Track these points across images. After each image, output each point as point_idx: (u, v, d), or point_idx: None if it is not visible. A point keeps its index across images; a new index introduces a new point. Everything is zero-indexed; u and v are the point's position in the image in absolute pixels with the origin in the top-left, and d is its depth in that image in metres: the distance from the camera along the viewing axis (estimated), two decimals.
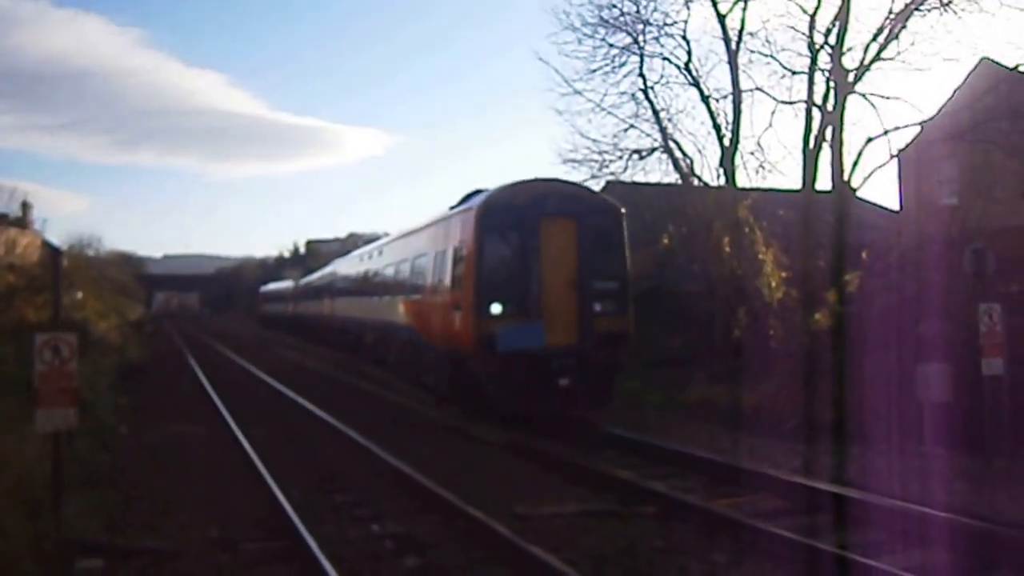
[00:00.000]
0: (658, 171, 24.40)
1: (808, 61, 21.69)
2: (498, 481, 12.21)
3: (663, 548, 9.05)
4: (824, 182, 21.51)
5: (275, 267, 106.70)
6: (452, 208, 18.49)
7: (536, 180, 17.67)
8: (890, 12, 20.44)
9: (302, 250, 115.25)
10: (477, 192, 18.15)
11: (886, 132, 20.77)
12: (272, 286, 74.51)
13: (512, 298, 15.57)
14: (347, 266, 35.20)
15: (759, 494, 11.08)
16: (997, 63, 25.10)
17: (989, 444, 12.38)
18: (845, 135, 20.88)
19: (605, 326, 15.94)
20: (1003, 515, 9.79)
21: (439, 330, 17.64)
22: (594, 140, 24.28)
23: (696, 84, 23.33)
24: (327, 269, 43.42)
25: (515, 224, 15.89)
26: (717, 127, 23.14)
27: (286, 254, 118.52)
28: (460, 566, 8.57)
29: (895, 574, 7.56)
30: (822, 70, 21.47)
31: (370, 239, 39.21)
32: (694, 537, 9.41)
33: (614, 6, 23.46)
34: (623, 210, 17.12)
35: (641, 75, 23.60)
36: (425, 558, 8.85)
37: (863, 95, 21.01)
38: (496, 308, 15.44)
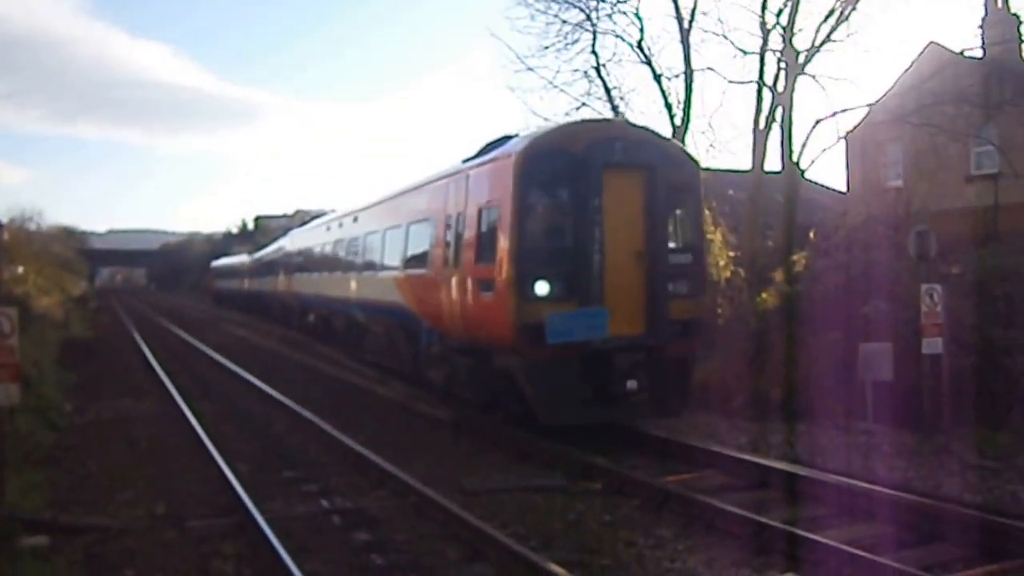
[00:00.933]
0: None
1: (760, 41, 21.89)
2: (446, 457, 12.24)
3: (610, 523, 9.16)
4: (773, 162, 21.78)
5: (223, 242, 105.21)
6: (468, 161, 14.73)
7: (593, 120, 14.84)
8: None
9: (251, 226, 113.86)
10: (505, 139, 14.41)
11: (835, 113, 21.06)
12: (225, 261, 70.40)
13: (563, 275, 12.08)
14: (311, 237, 30.45)
15: (707, 470, 11.24)
16: (944, 47, 25.57)
17: (928, 422, 12.67)
18: (795, 116, 21.16)
19: (679, 311, 12.54)
20: (940, 490, 10.07)
21: (453, 314, 14.00)
22: (545, 119, 24.26)
23: (648, 62, 23.39)
24: (284, 241, 38.82)
25: (570, 176, 12.21)
26: (668, 106, 23.22)
27: (234, 230, 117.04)
28: (409, 541, 8.59)
29: (838, 548, 7.74)
30: (773, 51, 21.67)
31: (317, 215, 36.05)
32: (641, 512, 9.52)
33: None
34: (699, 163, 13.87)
35: (594, 52, 23.61)
36: (374, 533, 8.85)
37: (813, 76, 21.28)
38: (542, 287, 11.99)
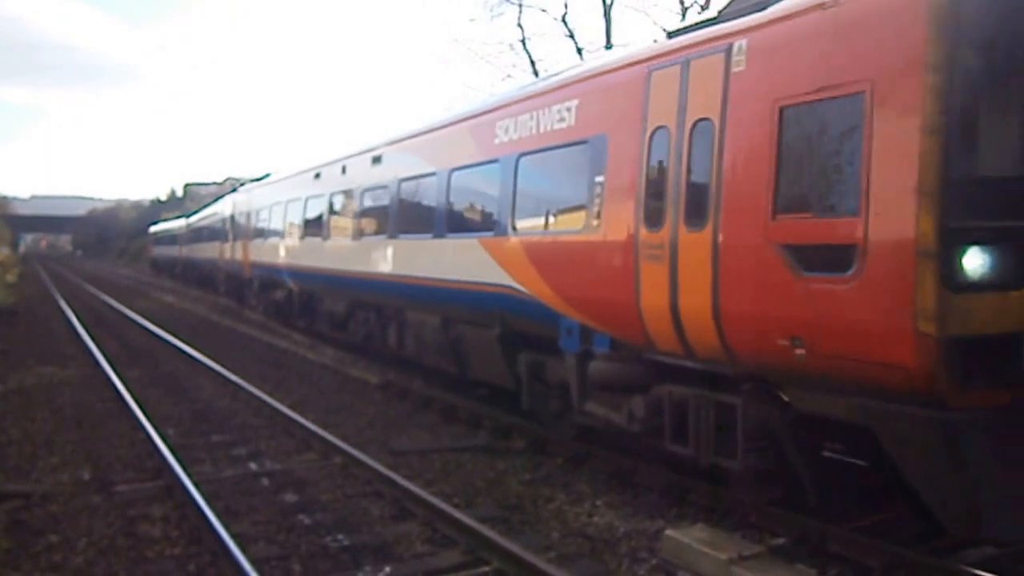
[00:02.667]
0: None
1: (679, 18, 22.24)
2: (375, 420, 12.43)
3: (532, 480, 9.47)
4: None
5: (152, 210, 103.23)
6: (694, 28, 8.47)
7: None
8: None
9: (180, 193, 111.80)
10: None
11: None
12: (165, 225, 65.05)
13: (1015, 234, 6.15)
14: (284, 191, 22.37)
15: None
16: None
17: None
18: None
19: None
20: None
21: (689, 311, 7.72)
22: (471, 88, 24.32)
23: (572, 36, 23.68)
24: (235, 199, 30.37)
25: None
26: None
27: (163, 197, 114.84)
28: (337, 500, 8.77)
29: (739, 500, 8.12)
30: None
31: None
32: (562, 471, 9.83)
33: None
34: None
35: (519, 25, 23.80)
36: (303, 494, 9.01)
37: None
38: (976, 261, 5.99)
